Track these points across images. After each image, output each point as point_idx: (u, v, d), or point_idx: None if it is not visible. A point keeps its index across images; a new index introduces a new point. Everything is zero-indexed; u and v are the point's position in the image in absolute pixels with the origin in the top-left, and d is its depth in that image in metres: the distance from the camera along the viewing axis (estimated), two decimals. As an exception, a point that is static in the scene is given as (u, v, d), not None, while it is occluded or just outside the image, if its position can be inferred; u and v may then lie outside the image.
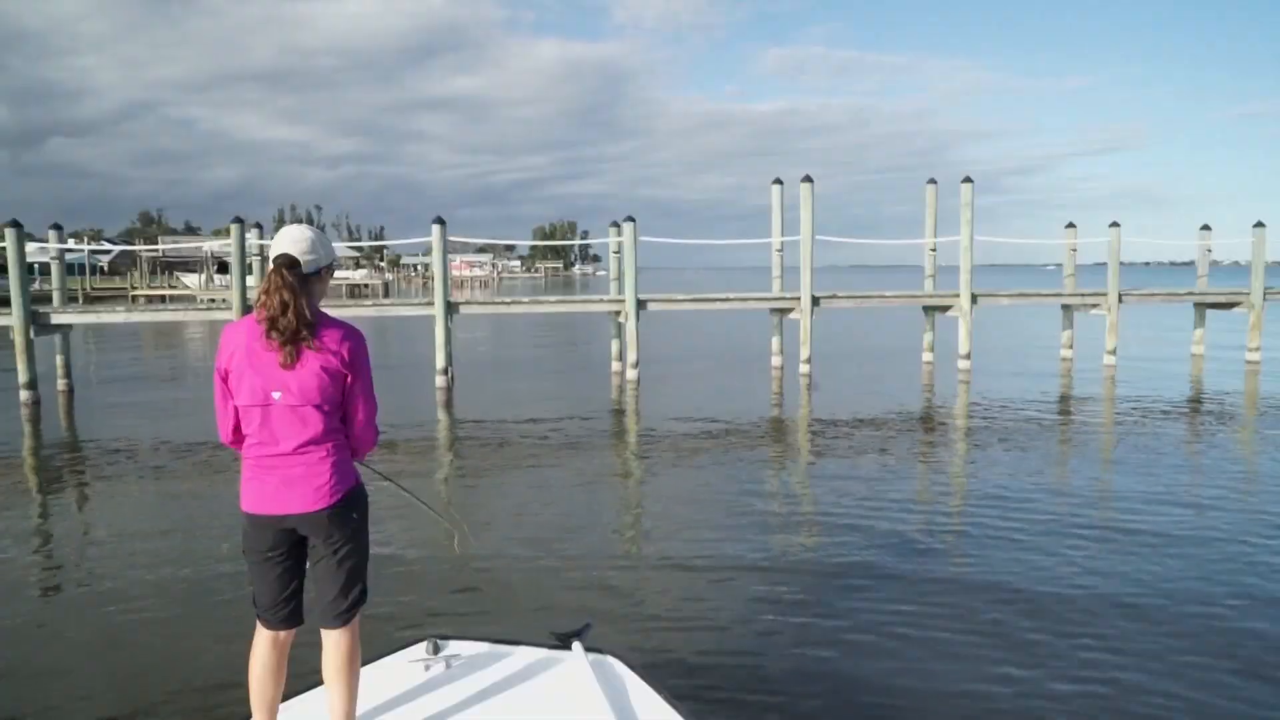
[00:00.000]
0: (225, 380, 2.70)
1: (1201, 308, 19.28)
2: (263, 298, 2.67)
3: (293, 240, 2.73)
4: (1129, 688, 4.48)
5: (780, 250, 17.90)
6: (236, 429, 2.76)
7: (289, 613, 2.80)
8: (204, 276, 52.08)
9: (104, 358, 23.83)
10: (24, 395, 13.89)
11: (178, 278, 55.73)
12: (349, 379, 2.73)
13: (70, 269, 56.44)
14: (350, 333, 2.76)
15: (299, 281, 2.67)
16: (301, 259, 2.71)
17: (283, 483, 2.67)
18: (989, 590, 5.80)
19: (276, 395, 2.64)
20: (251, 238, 18.49)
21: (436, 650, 3.27)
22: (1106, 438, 11.29)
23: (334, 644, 2.76)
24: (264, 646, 2.81)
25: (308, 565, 2.82)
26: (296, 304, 2.63)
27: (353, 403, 2.76)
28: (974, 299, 17.29)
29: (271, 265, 2.70)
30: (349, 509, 2.75)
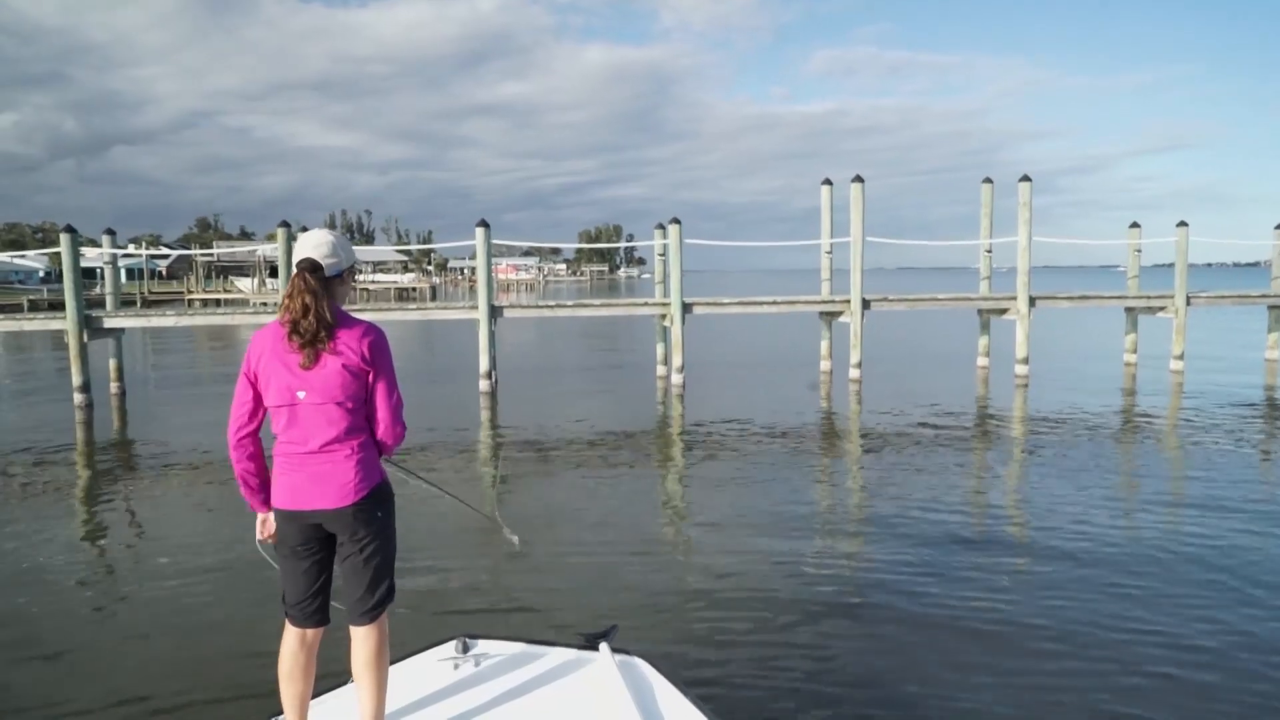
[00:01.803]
0: (255, 383, 2.79)
1: (1277, 310, 18.35)
2: (286, 301, 2.77)
3: (315, 245, 2.82)
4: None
5: (829, 252, 17.48)
6: (246, 436, 2.82)
7: (315, 609, 2.86)
8: (256, 280, 53.11)
9: (159, 360, 24.32)
10: (77, 398, 14.11)
11: (232, 281, 56.97)
12: (371, 375, 2.79)
13: (130, 273, 58.40)
14: (370, 329, 2.82)
15: (321, 284, 2.77)
16: (323, 263, 2.80)
17: (310, 479, 2.75)
18: (1038, 607, 5.54)
19: (301, 394, 2.73)
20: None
21: (465, 649, 3.30)
22: (1173, 448, 10.72)
23: (361, 641, 2.81)
24: (292, 645, 2.86)
25: (336, 563, 2.88)
26: (318, 307, 2.73)
27: (375, 398, 2.81)
28: (1032, 302, 16.68)
29: (295, 269, 2.80)
30: (374, 506, 2.79)
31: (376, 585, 2.81)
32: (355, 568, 2.79)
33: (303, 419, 2.73)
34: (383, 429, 2.82)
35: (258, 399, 2.78)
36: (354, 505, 2.74)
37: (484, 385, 15.19)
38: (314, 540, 2.81)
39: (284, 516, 2.79)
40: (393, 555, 2.89)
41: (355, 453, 2.76)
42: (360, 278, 67.87)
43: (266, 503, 2.86)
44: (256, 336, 2.82)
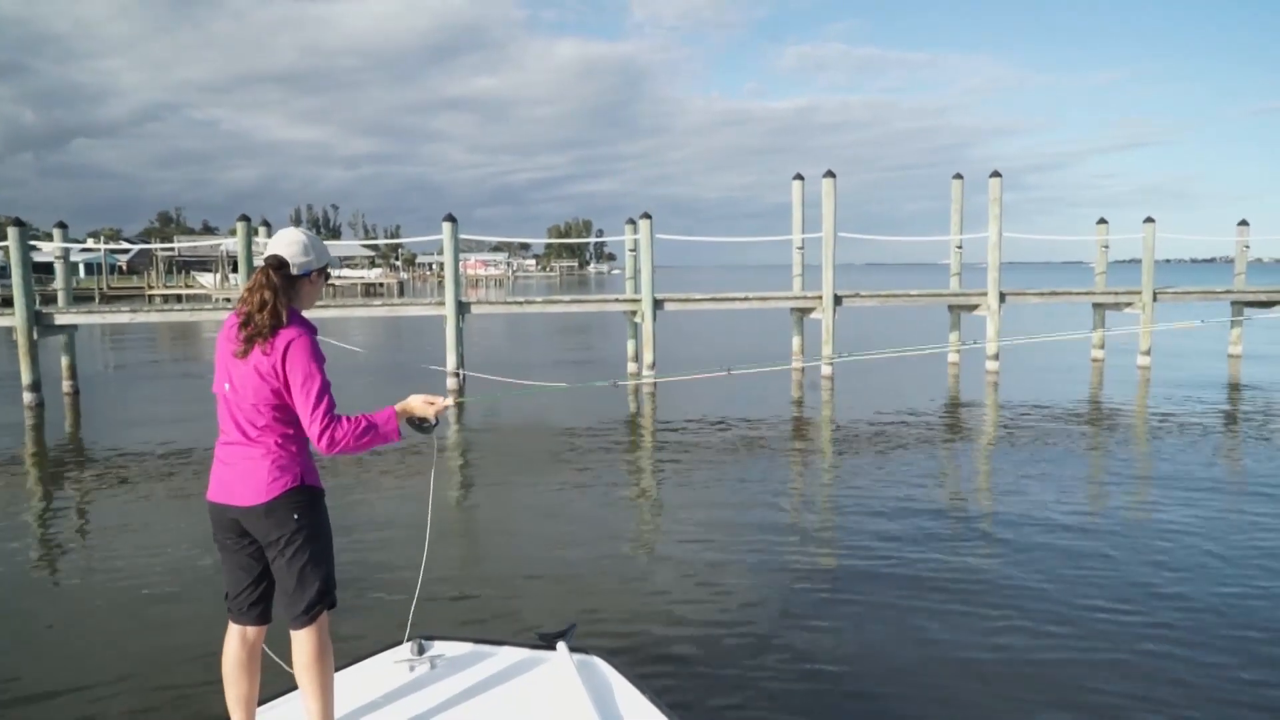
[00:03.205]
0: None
1: (1239, 306, 18.60)
2: (245, 294, 2.77)
3: (286, 242, 2.82)
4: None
5: (801, 248, 17.40)
6: None
7: (252, 604, 2.84)
8: (219, 276, 52.07)
9: (118, 358, 23.64)
10: (27, 397, 13.59)
11: (194, 277, 55.81)
12: (285, 380, 2.71)
13: (89, 268, 56.89)
14: (296, 335, 2.73)
15: (284, 282, 2.77)
16: (291, 261, 2.79)
17: (230, 473, 2.76)
18: (1001, 606, 5.52)
19: (226, 387, 2.77)
20: (261, 236, 18.21)
21: (421, 650, 3.26)
22: (1139, 442, 10.75)
23: (298, 644, 2.79)
24: (234, 643, 2.86)
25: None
26: (274, 304, 2.71)
27: (295, 403, 2.73)
28: (1002, 298, 16.73)
29: (262, 263, 2.80)
30: (289, 509, 2.73)
31: (305, 589, 2.76)
32: (279, 570, 2.78)
33: (229, 411, 2.77)
34: (311, 436, 2.75)
35: None
36: (265, 505, 2.70)
37: (451, 383, 14.91)
38: (238, 534, 2.80)
39: (210, 508, 2.82)
40: (322, 559, 2.81)
41: (270, 452, 2.73)
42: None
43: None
44: (226, 321, 2.87)
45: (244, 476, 2.73)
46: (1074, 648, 4.88)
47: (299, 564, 2.76)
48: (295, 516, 2.73)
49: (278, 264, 2.76)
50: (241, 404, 2.73)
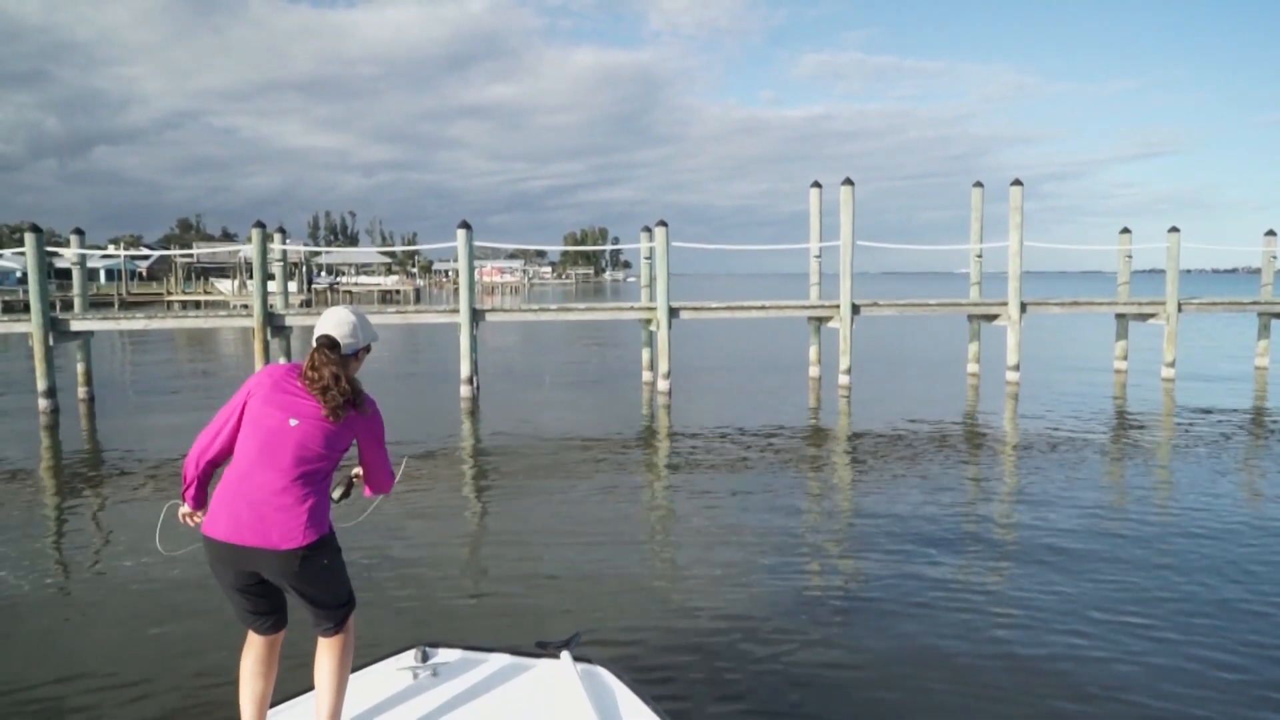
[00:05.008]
0: (246, 401, 2.85)
1: (1266, 318, 18.24)
2: (311, 372, 2.85)
3: (336, 323, 2.95)
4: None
5: (818, 256, 17.21)
6: (209, 458, 2.88)
7: (272, 624, 2.93)
8: (237, 282, 52.36)
9: (136, 364, 23.74)
10: (42, 403, 13.60)
11: (212, 283, 56.15)
12: (369, 436, 2.98)
13: (110, 274, 57.38)
14: (373, 404, 2.99)
15: (339, 359, 2.90)
16: (341, 341, 2.93)
17: (253, 514, 2.71)
18: (1012, 613, 5.40)
19: (293, 423, 2.78)
20: (276, 243, 18.21)
21: (425, 658, 3.26)
22: (1164, 457, 10.49)
23: (328, 649, 2.90)
24: (256, 645, 2.93)
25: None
26: (346, 375, 2.87)
27: (371, 460, 3.04)
28: (1023, 308, 16.47)
29: (314, 343, 2.93)
30: (321, 554, 2.80)
31: (336, 608, 2.90)
32: (308, 599, 2.85)
33: (281, 446, 2.76)
34: (378, 483, 3.09)
35: (238, 426, 2.83)
36: (301, 550, 2.73)
37: (465, 391, 14.81)
38: (250, 579, 2.82)
39: (218, 548, 2.75)
40: (346, 578, 2.94)
41: (309, 497, 2.77)
42: (343, 279, 67.15)
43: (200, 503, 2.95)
44: (271, 367, 2.95)
45: (272, 517, 2.72)
46: (1088, 650, 4.81)
47: (330, 591, 2.87)
48: (325, 562, 2.83)
49: (329, 343, 2.89)
50: (307, 442, 2.78)
